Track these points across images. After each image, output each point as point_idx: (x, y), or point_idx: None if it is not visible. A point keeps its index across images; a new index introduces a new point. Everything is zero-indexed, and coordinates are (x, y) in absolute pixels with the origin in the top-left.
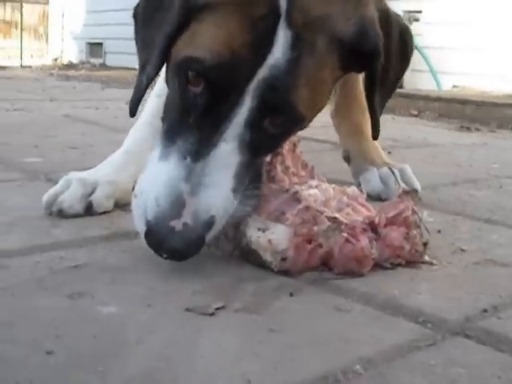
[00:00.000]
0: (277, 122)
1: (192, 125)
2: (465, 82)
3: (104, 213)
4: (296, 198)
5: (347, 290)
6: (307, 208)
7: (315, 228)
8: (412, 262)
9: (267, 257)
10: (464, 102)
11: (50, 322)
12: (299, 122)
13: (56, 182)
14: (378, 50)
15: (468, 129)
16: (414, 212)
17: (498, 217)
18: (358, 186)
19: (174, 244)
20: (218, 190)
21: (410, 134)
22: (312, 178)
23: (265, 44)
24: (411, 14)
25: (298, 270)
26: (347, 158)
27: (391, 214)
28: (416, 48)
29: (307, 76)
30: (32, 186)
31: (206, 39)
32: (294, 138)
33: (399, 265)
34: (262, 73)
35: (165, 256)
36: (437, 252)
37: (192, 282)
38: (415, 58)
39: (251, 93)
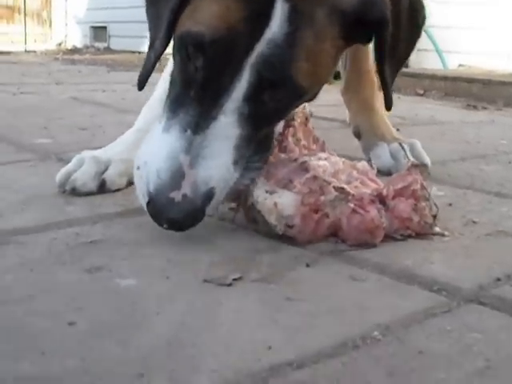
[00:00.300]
0: (276, 95)
1: (193, 98)
2: (471, 61)
3: (117, 190)
4: (304, 168)
5: (361, 260)
6: (315, 178)
7: (322, 198)
8: (422, 234)
9: (272, 220)
10: (470, 80)
11: (70, 295)
12: (300, 95)
13: (67, 162)
14: (385, 19)
15: (475, 107)
16: (422, 185)
17: (507, 190)
18: (369, 161)
19: (173, 215)
20: (217, 162)
21: (417, 112)
22: (323, 151)
23: (262, 18)
24: None
25: (305, 239)
26: (357, 134)
27: (399, 186)
28: None
29: (306, 49)
30: (44, 166)
31: (205, 14)
32: (306, 112)
33: (410, 236)
34: (260, 47)
35: (165, 226)
36: (448, 224)
37: (209, 253)
38: (421, 37)
39: (249, 67)
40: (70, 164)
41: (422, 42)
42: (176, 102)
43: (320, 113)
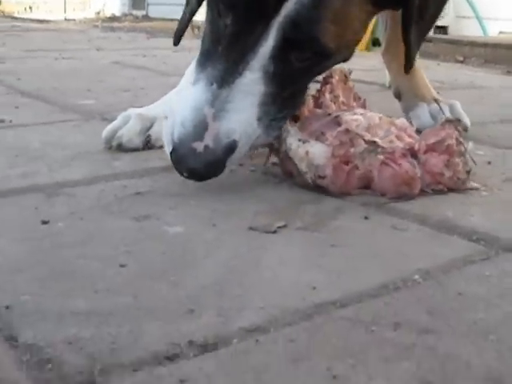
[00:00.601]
0: (303, 56)
1: (221, 53)
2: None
3: (162, 147)
4: (337, 121)
5: (402, 211)
6: (347, 131)
7: (352, 150)
8: (456, 189)
9: (302, 167)
10: (510, 47)
11: (120, 241)
12: (327, 56)
13: (111, 121)
14: None
15: None
16: (458, 141)
17: None
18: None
19: (194, 165)
20: (240, 116)
21: (456, 77)
22: (363, 108)
23: None
24: None
25: (337, 190)
26: (398, 95)
27: (432, 140)
28: None
29: (333, 11)
30: (88, 125)
31: None
32: (344, 70)
33: (442, 191)
34: (287, 7)
35: (185, 175)
36: (487, 181)
37: (253, 204)
38: (460, 3)
39: (276, 26)
40: (115, 121)
41: (462, 8)
42: (205, 57)
43: (359, 77)
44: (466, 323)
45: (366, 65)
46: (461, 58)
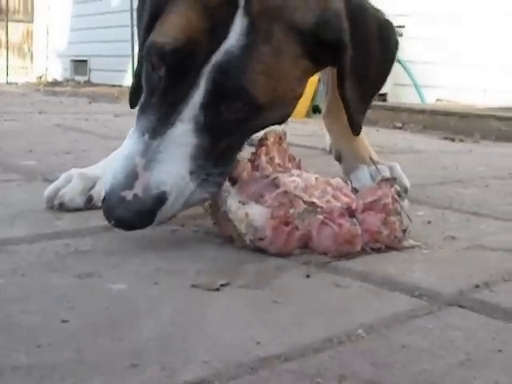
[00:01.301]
0: (233, 107)
1: (154, 105)
2: (448, 95)
3: None
4: (275, 184)
5: (344, 269)
6: (285, 193)
7: (291, 210)
8: (394, 247)
9: (242, 228)
10: (448, 113)
11: (63, 297)
12: (258, 109)
13: (53, 182)
14: (342, 42)
15: (452, 140)
16: (394, 199)
17: (484, 210)
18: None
19: (122, 213)
20: (171, 168)
21: (395, 142)
22: (298, 169)
23: (221, 31)
24: None
25: (277, 250)
26: (338, 157)
27: (368, 199)
28: (399, 62)
29: (263, 63)
30: (30, 186)
31: (168, 26)
32: (279, 131)
33: (385, 250)
34: (216, 57)
35: (114, 223)
36: (428, 239)
37: (196, 262)
38: (398, 71)
39: (206, 76)
40: (57, 181)
41: (400, 76)
42: (142, 109)
43: (300, 141)
44: (411, 375)
45: (307, 130)
46: (399, 125)
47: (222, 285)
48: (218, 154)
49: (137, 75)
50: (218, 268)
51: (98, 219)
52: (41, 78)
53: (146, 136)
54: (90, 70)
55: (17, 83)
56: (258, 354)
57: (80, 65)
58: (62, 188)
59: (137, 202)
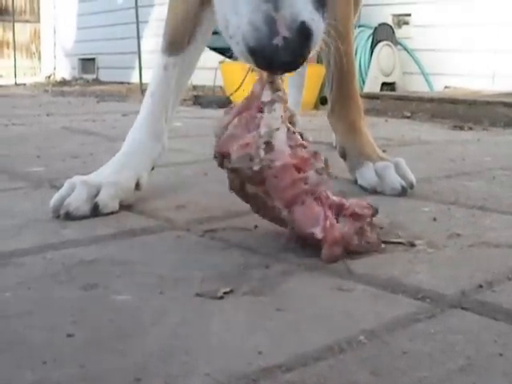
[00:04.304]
0: None
1: None
2: (456, 82)
3: (110, 213)
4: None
5: (348, 272)
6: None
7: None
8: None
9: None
10: (456, 101)
11: (68, 310)
12: None
13: (60, 189)
14: None
15: (461, 128)
16: (365, 206)
17: (490, 204)
18: (355, 181)
19: (284, 58)
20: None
21: (403, 134)
22: None
23: None
24: (400, 17)
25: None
26: (343, 155)
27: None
28: (406, 50)
29: None
30: (37, 193)
31: None
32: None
33: (391, 250)
34: None
35: (280, 71)
36: (433, 237)
37: (200, 270)
38: (406, 60)
39: None
40: (62, 189)
41: (408, 65)
42: None
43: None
44: (411, 382)
45: (314, 124)
46: (408, 114)
47: (225, 292)
48: None
49: None
50: (222, 274)
51: (103, 227)
52: (49, 77)
53: None
54: (97, 68)
55: (25, 84)
56: (259, 365)
57: (88, 63)
58: (67, 197)
59: (290, 43)
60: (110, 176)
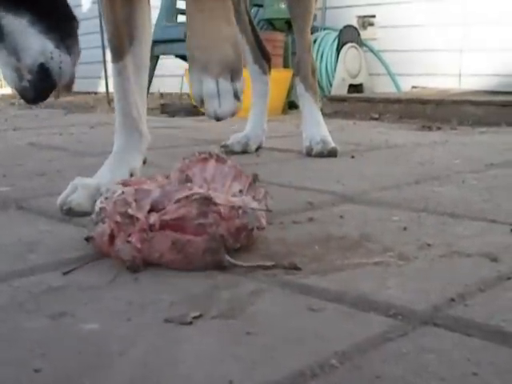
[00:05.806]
0: None
1: None
2: (423, 82)
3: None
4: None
5: (319, 290)
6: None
7: None
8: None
9: None
10: (423, 101)
11: (35, 342)
12: None
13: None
14: None
15: (429, 128)
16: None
17: (461, 210)
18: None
19: (32, 95)
20: None
21: (371, 137)
22: None
23: None
24: (365, 18)
25: None
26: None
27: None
28: (372, 51)
29: None
30: (5, 215)
31: None
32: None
33: (360, 264)
34: None
35: (34, 103)
36: (403, 248)
37: (169, 294)
38: (372, 61)
39: None
40: (66, 190)
41: (374, 66)
42: None
43: (274, 144)
44: None
45: (283, 130)
46: (376, 116)
47: (194, 317)
48: None
49: None
50: (191, 297)
51: (70, 250)
52: None
53: None
54: None
55: None
56: None
57: None
58: (71, 194)
59: (32, 83)
60: (105, 177)
